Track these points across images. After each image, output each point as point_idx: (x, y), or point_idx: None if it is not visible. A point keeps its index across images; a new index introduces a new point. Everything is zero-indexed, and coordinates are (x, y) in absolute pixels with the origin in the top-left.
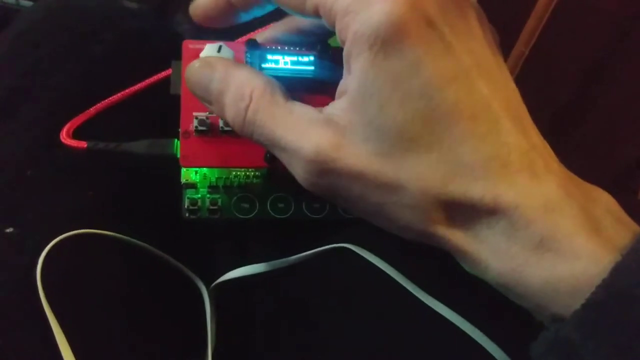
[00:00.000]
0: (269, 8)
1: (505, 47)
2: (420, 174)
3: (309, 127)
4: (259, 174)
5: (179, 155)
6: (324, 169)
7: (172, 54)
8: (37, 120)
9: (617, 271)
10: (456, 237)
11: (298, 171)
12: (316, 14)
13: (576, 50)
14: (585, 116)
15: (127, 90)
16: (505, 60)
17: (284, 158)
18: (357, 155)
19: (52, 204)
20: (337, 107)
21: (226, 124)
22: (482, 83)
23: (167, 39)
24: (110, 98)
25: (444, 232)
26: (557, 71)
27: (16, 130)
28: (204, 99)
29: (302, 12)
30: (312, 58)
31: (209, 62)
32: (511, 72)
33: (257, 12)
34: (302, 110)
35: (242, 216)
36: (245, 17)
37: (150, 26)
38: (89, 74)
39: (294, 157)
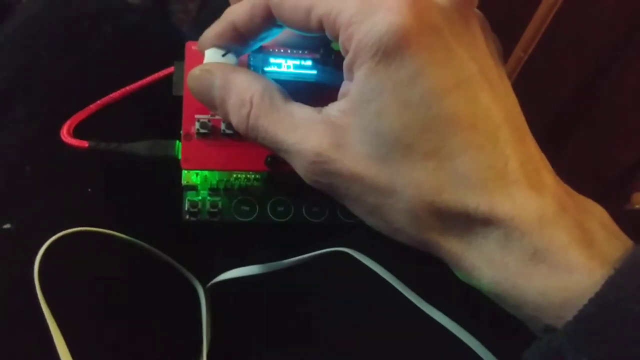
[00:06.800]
0: (276, 32)
1: (504, 52)
2: (415, 180)
3: (308, 128)
4: (260, 177)
5: (180, 157)
6: (325, 170)
7: (173, 50)
8: (36, 115)
9: (610, 285)
10: (450, 244)
11: (302, 171)
12: (320, 28)
13: (575, 57)
14: (583, 122)
15: (128, 87)
16: (504, 64)
17: (288, 159)
18: (355, 157)
19: (51, 201)
20: (335, 108)
21: (228, 127)
22: (483, 93)
23: (169, 35)
24: (112, 95)
25: (437, 238)
26: (555, 77)
27: (14, 125)
28: (209, 106)
29: (307, 28)
30: (314, 62)
31: (208, 69)
32: (509, 77)
33: (266, 37)
34: (301, 112)
35: (242, 219)
36: (255, 45)
37: (151, 21)
38: (88, 68)
39: (297, 158)
